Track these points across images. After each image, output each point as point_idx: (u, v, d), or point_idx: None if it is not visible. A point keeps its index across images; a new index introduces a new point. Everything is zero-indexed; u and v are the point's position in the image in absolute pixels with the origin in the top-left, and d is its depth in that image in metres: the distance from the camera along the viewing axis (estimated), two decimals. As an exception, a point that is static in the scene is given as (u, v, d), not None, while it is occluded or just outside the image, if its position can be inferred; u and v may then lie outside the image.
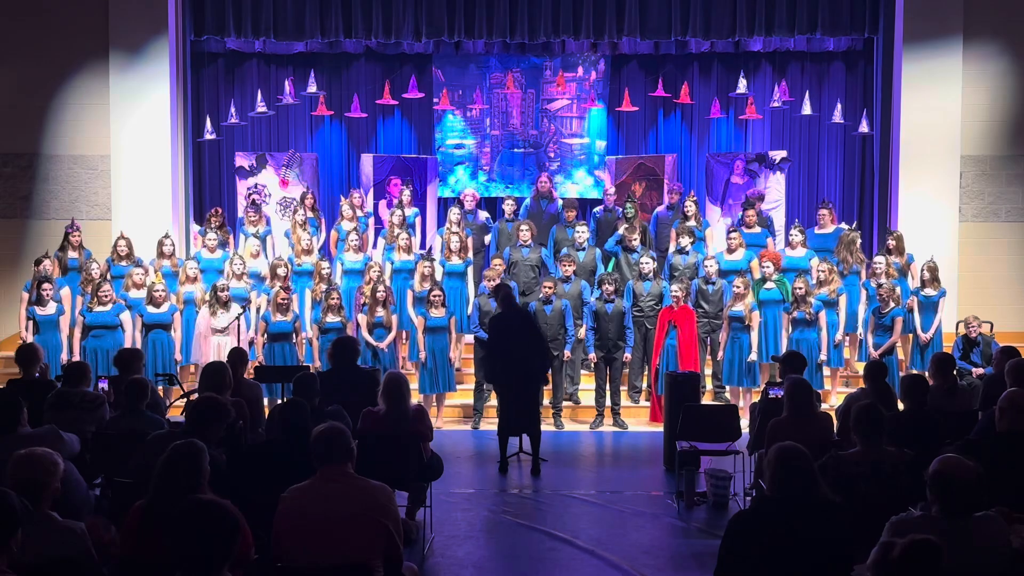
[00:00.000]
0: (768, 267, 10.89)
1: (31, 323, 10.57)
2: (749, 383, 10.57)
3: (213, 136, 13.20)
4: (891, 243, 11.57)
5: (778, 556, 4.00)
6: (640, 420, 10.87)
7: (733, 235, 11.55)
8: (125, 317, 10.51)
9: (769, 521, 4.10)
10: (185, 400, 7.48)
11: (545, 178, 13.10)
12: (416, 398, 9.49)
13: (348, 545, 4.22)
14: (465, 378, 11.60)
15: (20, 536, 3.61)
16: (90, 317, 10.44)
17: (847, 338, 11.25)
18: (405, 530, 5.20)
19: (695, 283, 10.99)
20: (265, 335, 10.52)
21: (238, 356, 7.97)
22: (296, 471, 4.63)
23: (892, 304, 10.66)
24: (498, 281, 10.59)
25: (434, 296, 10.54)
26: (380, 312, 10.51)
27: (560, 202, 12.78)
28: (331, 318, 10.45)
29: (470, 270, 11.64)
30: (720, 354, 10.74)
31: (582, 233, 11.65)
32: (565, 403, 10.97)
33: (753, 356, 10.51)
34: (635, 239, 11.62)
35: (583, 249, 11.56)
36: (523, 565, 6.49)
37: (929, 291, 10.91)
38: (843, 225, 12.29)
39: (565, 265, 11.00)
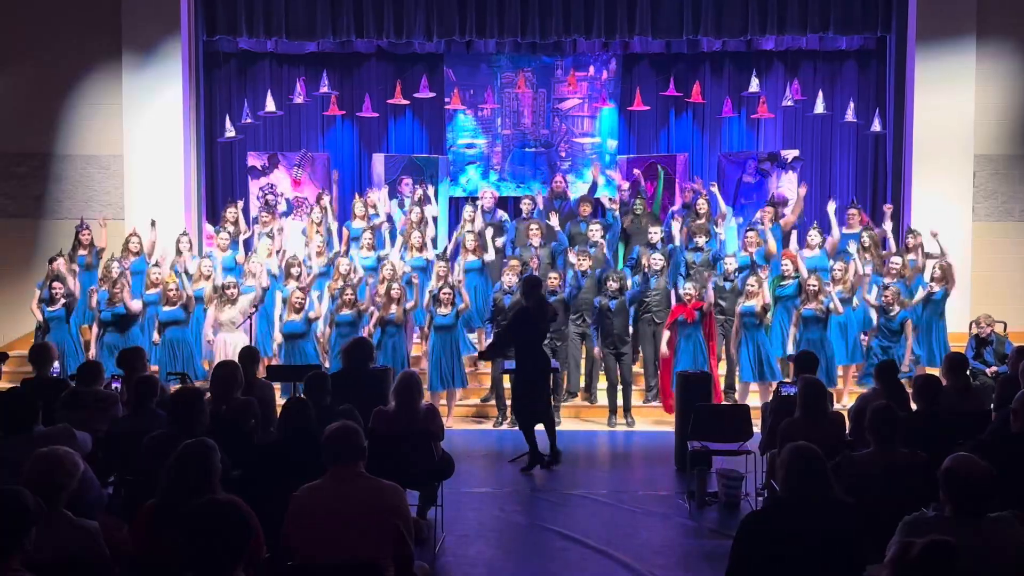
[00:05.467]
0: (787, 265, 10.86)
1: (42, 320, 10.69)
2: (769, 377, 10.48)
3: (233, 135, 13.23)
4: (911, 241, 11.53)
5: (790, 557, 3.98)
6: (650, 419, 10.86)
7: (750, 234, 11.52)
8: (135, 305, 10.59)
9: (781, 521, 4.09)
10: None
11: (560, 178, 13.13)
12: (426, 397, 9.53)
13: (359, 544, 4.22)
14: (479, 377, 11.59)
15: (34, 535, 3.62)
16: (105, 314, 10.54)
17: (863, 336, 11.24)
18: (416, 529, 5.20)
19: (712, 281, 10.96)
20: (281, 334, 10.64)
21: (249, 355, 7.98)
22: (306, 470, 4.63)
23: (897, 308, 10.61)
24: (514, 279, 10.67)
25: (444, 295, 10.57)
26: (394, 309, 10.54)
27: (574, 199, 12.79)
28: (345, 312, 10.52)
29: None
30: (733, 351, 10.72)
31: (595, 231, 11.65)
32: (574, 402, 11.00)
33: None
34: (654, 233, 11.58)
35: (595, 246, 11.55)
36: (534, 564, 6.48)
37: (935, 287, 10.89)
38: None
39: (581, 260, 11.02)
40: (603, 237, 11.66)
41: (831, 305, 10.48)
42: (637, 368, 11.32)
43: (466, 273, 11.47)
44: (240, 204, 12.44)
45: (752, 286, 10.52)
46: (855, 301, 10.86)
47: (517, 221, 12.44)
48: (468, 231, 11.79)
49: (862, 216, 12.15)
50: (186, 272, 11.28)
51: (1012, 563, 3.86)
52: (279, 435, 5.88)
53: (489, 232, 11.95)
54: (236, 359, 7.73)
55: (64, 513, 4.10)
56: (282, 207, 12.92)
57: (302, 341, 10.53)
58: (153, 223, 11.83)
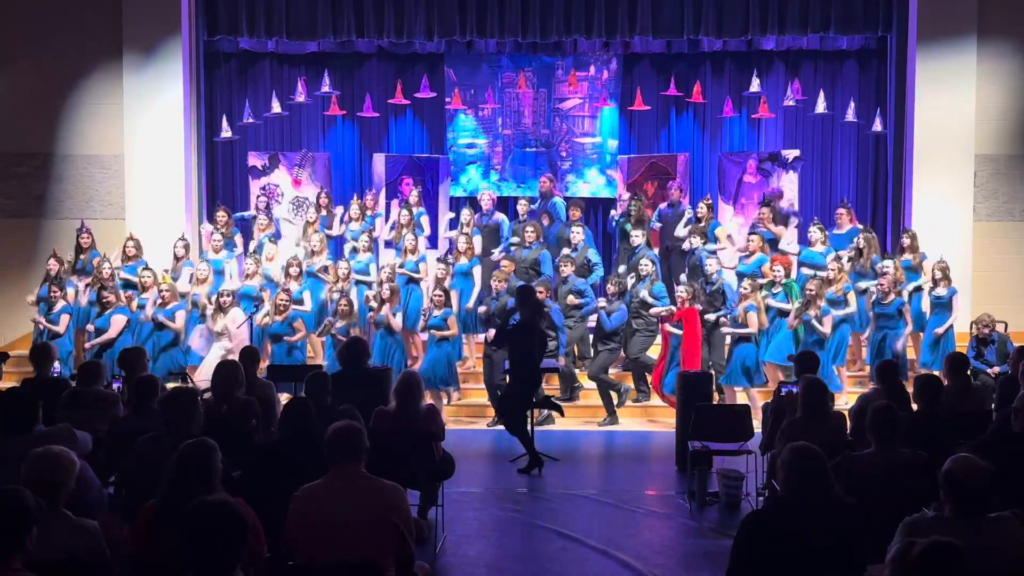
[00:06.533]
0: (779, 271, 10.86)
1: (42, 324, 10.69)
2: (747, 382, 10.50)
3: (230, 135, 13.22)
4: (906, 241, 11.55)
5: (791, 556, 3.98)
6: (644, 419, 10.86)
7: (753, 237, 11.51)
8: (116, 319, 10.50)
9: (782, 521, 4.09)
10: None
11: (545, 178, 13.13)
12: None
13: (360, 544, 4.22)
14: (474, 378, 11.59)
15: (35, 534, 3.62)
16: (97, 322, 10.54)
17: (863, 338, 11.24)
18: (417, 529, 5.19)
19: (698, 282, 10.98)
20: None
21: (249, 355, 7.97)
22: (306, 470, 4.63)
23: (893, 296, 10.62)
24: (507, 283, 10.66)
25: (436, 297, 10.59)
26: (384, 311, 10.57)
27: (558, 200, 12.76)
28: (341, 323, 10.48)
29: (476, 270, 11.65)
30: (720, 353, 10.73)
31: (577, 234, 11.66)
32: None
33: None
34: (636, 236, 11.61)
35: (576, 250, 11.56)
36: (535, 564, 6.48)
37: (940, 290, 10.87)
38: (859, 226, 12.22)
39: (564, 266, 11.04)
40: (584, 243, 11.69)
41: (819, 327, 10.42)
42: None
43: (455, 276, 11.47)
44: (226, 211, 12.38)
45: (745, 289, 10.54)
46: (850, 305, 10.82)
47: (514, 223, 12.45)
48: (463, 233, 11.81)
49: (851, 215, 12.16)
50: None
51: (1012, 563, 3.86)
52: (280, 435, 5.88)
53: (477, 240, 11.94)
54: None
55: (64, 513, 4.10)
56: (281, 208, 12.90)
57: (283, 345, 10.53)
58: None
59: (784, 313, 10.64)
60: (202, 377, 9.45)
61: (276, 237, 12.44)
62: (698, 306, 10.50)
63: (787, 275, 10.92)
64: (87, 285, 11.18)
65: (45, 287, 10.89)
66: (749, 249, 11.50)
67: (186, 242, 11.87)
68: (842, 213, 12.10)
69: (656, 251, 11.93)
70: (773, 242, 11.83)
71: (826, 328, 10.40)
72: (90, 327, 10.74)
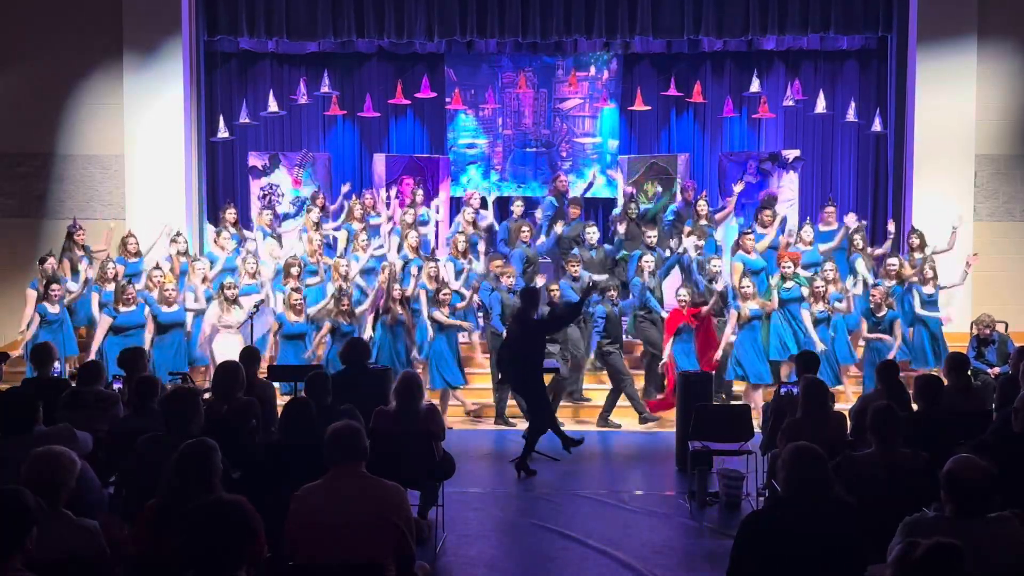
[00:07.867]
0: (788, 267, 10.87)
1: (39, 319, 10.62)
2: (768, 379, 10.50)
3: (226, 135, 13.23)
4: (914, 241, 11.56)
5: (791, 556, 3.98)
6: (635, 420, 10.89)
7: (748, 237, 11.53)
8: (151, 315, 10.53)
9: (782, 521, 4.09)
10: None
11: (563, 177, 13.14)
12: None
13: (360, 544, 4.22)
14: (476, 378, 11.58)
15: (35, 534, 3.62)
16: (120, 318, 10.43)
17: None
18: (417, 529, 5.19)
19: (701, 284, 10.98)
20: (278, 335, 10.56)
21: (249, 355, 7.97)
22: (307, 470, 4.63)
23: (885, 308, 10.61)
24: (513, 280, 10.66)
25: (443, 296, 10.57)
26: (400, 310, 10.54)
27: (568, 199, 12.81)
28: (343, 322, 10.45)
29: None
30: (718, 354, 10.71)
31: (593, 233, 11.67)
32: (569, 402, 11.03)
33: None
34: (652, 236, 11.61)
35: (595, 248, 11.57)
36: (535, 564, 6.48)
37: (930, 288, 10.88)
38: (848, 218, 12.17)
39: (572, 265, 11.03)
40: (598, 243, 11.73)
41: (837, 304, 10.48)
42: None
43: (456, 275, 11.47)
44: (233, 209, 12.39)
45: (747, 288, 10.53)
46: (849, 302, 10.84)
47: (509, 221, 12.45)
48: (459, 231, 11.84)
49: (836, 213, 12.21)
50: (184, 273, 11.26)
51: (1012, 563, 3.86)
52: (280, 435, 5.88)
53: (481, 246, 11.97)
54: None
55: (64, 513, 4.10)
56: (280, 208, 12.92)
57: (302, 343, 10.50)
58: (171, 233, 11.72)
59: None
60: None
61: (278, 224, 12.43)
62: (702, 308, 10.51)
63: (795, 269, 10.93)
64: (96, 282, 11.11)
65: (44, 290, 10.79)
66: (746, 248, 11.51)
67: (183, 236, 11.84)
68: (830, 211, 12.16)
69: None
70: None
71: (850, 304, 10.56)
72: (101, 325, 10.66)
